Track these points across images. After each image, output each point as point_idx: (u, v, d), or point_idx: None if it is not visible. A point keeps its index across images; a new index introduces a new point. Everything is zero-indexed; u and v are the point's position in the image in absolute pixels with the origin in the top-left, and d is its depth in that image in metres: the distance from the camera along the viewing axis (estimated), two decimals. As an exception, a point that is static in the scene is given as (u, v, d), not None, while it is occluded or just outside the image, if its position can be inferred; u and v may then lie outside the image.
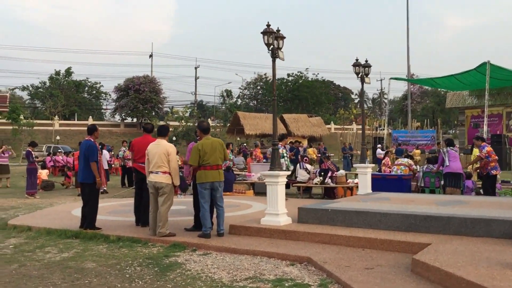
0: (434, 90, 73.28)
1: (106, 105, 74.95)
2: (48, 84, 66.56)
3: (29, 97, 70.26)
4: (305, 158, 13.81)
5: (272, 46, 7.67)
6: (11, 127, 49.40)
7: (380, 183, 11.34)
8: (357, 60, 10.73)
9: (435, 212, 6.88)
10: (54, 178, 20.32)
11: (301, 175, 13.46)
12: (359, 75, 10.70)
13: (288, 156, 14.16)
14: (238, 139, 44.88)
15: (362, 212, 7.08)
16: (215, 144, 7.43)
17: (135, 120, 63.23)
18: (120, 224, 8.78)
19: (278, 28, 7.82)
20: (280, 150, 13.41)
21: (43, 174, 17.25)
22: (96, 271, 5.86)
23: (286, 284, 5.11)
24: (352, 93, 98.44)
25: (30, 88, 68.00)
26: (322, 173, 13.07)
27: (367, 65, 10.74)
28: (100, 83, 72.10)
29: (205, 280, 5.38)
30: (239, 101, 76.76)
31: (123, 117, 62.63)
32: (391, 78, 44.55)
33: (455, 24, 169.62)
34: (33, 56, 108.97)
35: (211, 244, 6.81)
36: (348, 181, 13.08)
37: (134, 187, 16.33)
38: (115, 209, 10.83)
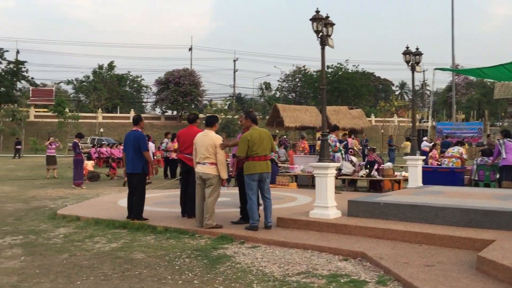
0: (480, 81, 70.74)
1: (147, 98, 76.25)
2: (91, 78, 68.21)
3: (74, 90, 72.24)
4: (350, 150, 13.46)
5: (321, 34, 7.41)
6: (57, 120, 50.86)
7: (431, 176, 10.90)
8: (407, 48, 10.29)
9: (497, 207, 6.48)
10: (99, 169, 20.69)
11: (346, 168, 13.12)
12: (409, 64, 10.26)
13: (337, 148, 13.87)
14: (277, 131, 44.64)
15: (417, 206, 6.75)
16: (263, 134, 7.26)
17: (175, 112, 63.99)
18: (166, 215, 8.75)
19: (327, 14, 7.54)
20: (339, 145, 13.08)
21: (89, 165, 17.57)
22: (145, 262, 5.80)
23: (342, 280, 4.89)
24: (393, 84, 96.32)
25: (75, 82, 69.91)
26: (368, 166, 12.70)
27: (417, 53, 10.28)
28: (141, 76, 73.41)
29: (256, 274, 5.22)
30: (278, 93, 76.44)
31: (164, 110, 63.52)
32: (435, 69, 43.34)
33: (500, 13, 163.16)
34: (77, 51, 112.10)
35: (259, 237, 6.65)
36: (395, 174, 12.66)
37: (176, 178, 16.58)
38: (160, 200, 10.84)
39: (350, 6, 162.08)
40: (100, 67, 67.33)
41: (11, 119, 47.02)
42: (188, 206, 8.35)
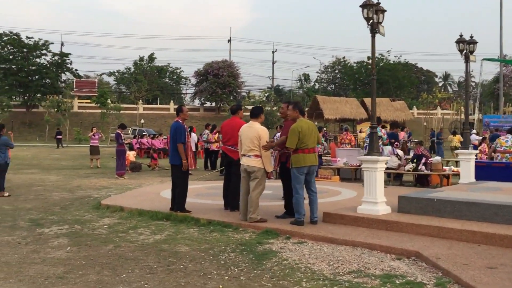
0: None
1: (186, 89, 76.97)
2: (132, 69, 69.34)
3: (115, 82, 73.69)
4: (396, 143, 13.00)
5: (371, 21, 7.07)
6: (99, 111, 52.00)
7: (484, 171, 10.37)
8: (461, 36, 9.77)
9: None
10: (140, 160, 20.92)
11: (392, 161, 12.67)
12: (463, 53, 9.74)
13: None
14: (317, 123, 44.14)
15: (474, 204, 6.36)
16: (311, 126, 7.03)
17: (213, 104, 64.31)
18: (209, 207, 8.64)
19: (378, 0, 7.18)
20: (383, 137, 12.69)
21: (131, 155, 17.75)
22: (190, 256, 5.69)
23: (397, 281, 4.61)
24: (436, 76, 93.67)
25: (116, 74, 71.27)
26: (415, 160, 12.24)
27: (472, 42, 9.75)
28: (180, 68, 74.17)
29: (305, 272, 5.02)
30: (317, 85, 75.62)
31: (202, 101, 63.92)
32: (483, 59, 41.47)
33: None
34: (118, 43, 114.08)
35: (305, 232, 6.43)
36: (444, 168, 12.15)
37: (217, 170, 16.53)
38: (202, 192, 10.77)
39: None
40: (141, 58, 68.33)
41: (56, 110, 48.38)
42: (230, 199, 8.21)
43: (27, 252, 5.95)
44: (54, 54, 55.14)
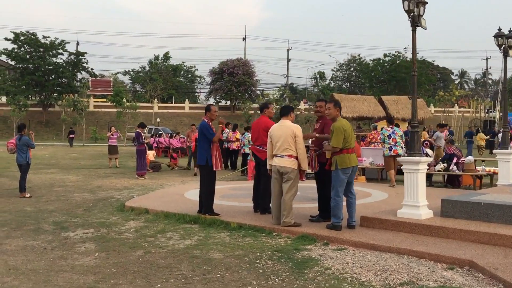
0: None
1: (200, 88, 76.85)
2: (147, 68, 69.42)
3: (130, 81, 73.82)
4: (425, 142, 12.56)
5: (412, 14, 6.68)
6: (115, 110, 52.06)
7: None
8: (499, 30, 9.31)
9: None
10: (158, 159, 20.71)
11: (421, 161, 12.25)
12: (502, 48, 9.29)
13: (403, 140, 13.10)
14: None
15: (525, 208, 5.95)
16: (350, 125, 6.66)
17: (228, 102, 64.08)
18: (237, 209, 8.32)
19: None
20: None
21: (150, 155, 17.52)
22: (225, 263, 5.37)
23: (456, 295, 4.24)
24: (452, 73, 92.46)
25: (131, 73, 71.41)
26: (446, 159, 11.79)
27: (511, 36, 9.29)
28: (195, 67, 74.00)
29: (352, 283, 4.66)
30: (332, 83, 75.00)
31: (218, 100, 63.67)
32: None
33: None
34: (133, 42, 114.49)
35: (345, 238, 6.07)
36: (477, 169, 11.68)
37: (238, 170, 16.21)
38: (226, 193, 10.45)
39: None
40: (156, 57, 68.35)
41: (72, 109, 48.52)
42: (260, 201, 7.89)
43: (53, 258, 5.68)
44: (70, 54, 55.34)
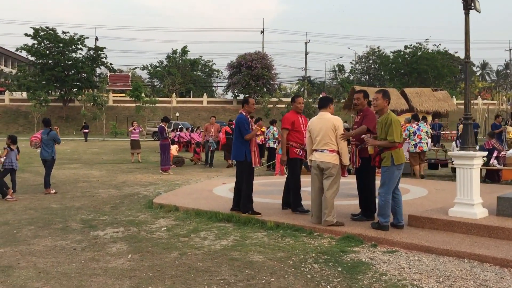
0: None
1: (217, 82, 76.52)
2: (165, 63, 69.30)
3: (148, 76, 73.82)
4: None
5: (465, -4, 6.16)
6: (134, 105, 52.05)
7: None
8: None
9: None
10: (181, 154, 20.42)
11: (458, 155, 11.69)
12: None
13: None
14: (353, 115, 42.90)
15: None
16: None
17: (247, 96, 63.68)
18: (271, 207, 7.90)
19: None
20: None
21: (173, 150, 17.21)
22: (268, 267, 4.96)
23: (537, 307, 3.78)
24: (474, 65, 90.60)
25: (149, 68, 71.38)
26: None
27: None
28: (212, 61, 73.67)
29: (413, 291, 4.22)
30: (351, 76, 74.00)
31: (236, 93, 63.30)
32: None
33: None
34: (151, 36, 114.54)
35: (395, 239, 5.62)
36: (519, 163, 11.09)
37: (265, 164, 15.70)
38: (257, 189, 9.94)
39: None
40: (174, 52, 68.19)
41: (92, 104, 48.61)
42: (292, 199, 7.46)
43: (85, 260, 5.35)
44: (89, 49, 55.46)
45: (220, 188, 10.29)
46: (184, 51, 68.10)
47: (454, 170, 11.94)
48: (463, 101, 45.73)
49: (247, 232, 6.53)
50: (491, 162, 11.05)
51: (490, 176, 11.52)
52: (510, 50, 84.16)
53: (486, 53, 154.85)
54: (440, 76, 62.11)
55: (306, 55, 73.56)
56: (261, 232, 6.54)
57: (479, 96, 63.37)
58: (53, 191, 10.40)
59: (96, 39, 63.88)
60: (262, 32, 70.13)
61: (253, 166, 7.29)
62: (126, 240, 6.27)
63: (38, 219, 7.66)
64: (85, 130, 37.43)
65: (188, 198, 8.93)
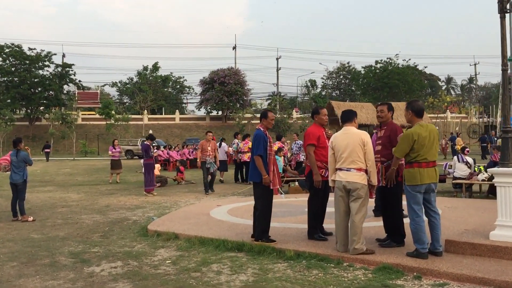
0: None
1: (187, 99, 75.51)
2: (135, 79, 67.99)
3: (118, 93, 72.23)
4: (466, 149, 11.61)
5: None
6: (104, 123, 50.60)
7: None
8: None
9: None
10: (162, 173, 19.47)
11: (460, 170, 11.30)
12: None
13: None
14: (329, 131, 42.73)
15: None
16: (433, 133, 5.60)
17: (220, 113, 62.92)
18: (282, 232, 7.18)
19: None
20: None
21: (156, 169, 16.29)
22: (308, 309, 4.25)
23: None
24: (439, 79, 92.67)
25: (119, 85, 69.90)
26: (490, 167, 10.81)
27: None
28: (183, 77, 72.70)
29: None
30: (323, 91, 74.30)
31: (209, 110, 62.46)
32: (510, 60, 40.25)
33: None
34: (119, 53, 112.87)
35: (441, 270, 4.98)
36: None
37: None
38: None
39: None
40: (145, 68, 67.05)
41: (61, 122, 46.93)
42: (310, 224, 6.76)
43: (86, 306, 4.51)
44: (57, 66, 53.81)
45: (216, 211, 9.52)
46: (155, 67, 67.09)
47: (455, 186, 11.53)
48: (434, 115, 45.85)
49: (265, 264, 5.79)
50: (496, 177, 10.63)
51: (493, 191, 11.09)
52: (475, 65, 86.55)
53: (450, 68, 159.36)
54: (411, 90, 62.89)
55: (277, 70, 73.67)
56: (281, 263, 5.82)
57: (447, 110, 64.59)
58: (31, 219, 9.41)
59: (64, 55, 62.14)
60: (234, 48, 69.85)
61: (271, 188, 6.51)
62: (129, 277, 5.43)
63: (20, 253, 6.71)
64: (46, 150, 35.94)
65: (186, 224, 8.12)
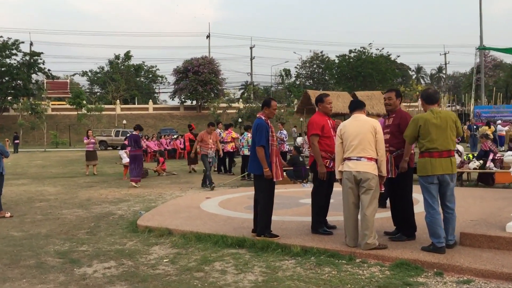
0: (511, 62, 68.27)
1: (159, 88, 74.28)
2: (106, 69, 66.41)
3: (88, 82, 70.47)
4: (457, 138, 11.47)
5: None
6: (76, 113, 49.26)
7: None
8: None
9: None
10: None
11: (451, 159, 11.16)
12: None
13: None
14: (302, 119, 42.51)
15: None
16: (446, 119, 5.28)
17: (194, 102, 62.14)
18: (282, 226, 6.82)
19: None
20: None
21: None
22: (331, 312, 3.91)
23: None
24: (410, 69, 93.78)
25: (90, 74, 68.17)
26: (481, 156, 10.73)
27: None
28: (156, 66, 71.37)
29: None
30: (297, 80, 74.20)
31: (183, 99, 61.62)
32: (480, 48, 40.74)
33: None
34: (90, 41, 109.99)
35: (463, 265, 4.71)
36: (517, 166, 10.66)
37: (243, 175, 14.30)
38: (250, 204, 8.91)
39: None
40: (117, 57, 65.54)
41: (30, 112, 45.44)
42: (314, 218, 6.41)
43: (84, 314, 4.07)
44: (25, 54, 51.98)
45: (207, 203, 9.10)
46: (128, 56, 65.69)
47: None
48: (406, 104, 45.90)
49: (271, 261, 5.43)
50: (487, 165, 10.56)
51: (484, 180, 11.04)
52: (445, 54, 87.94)
53: (420, 58, 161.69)
54: (384, 79, 63.33)
55: (251, 59, 73.21)
56: (288, 260, 5.47)
57: (419, 99, 65.39)
58: (8, 214, 8.83)
59: (31, 44, 60.11)
60: (208, 36, 69.01)
61: (274, 180, 6.13)
62: (126, 279, 4.99)
63: (1, 253, 6.17)
64: (15, 141, 34.83)
65: (178, 218, 7.68)
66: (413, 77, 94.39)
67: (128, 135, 13.27)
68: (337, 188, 6.31)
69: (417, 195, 9.18)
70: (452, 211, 5.34)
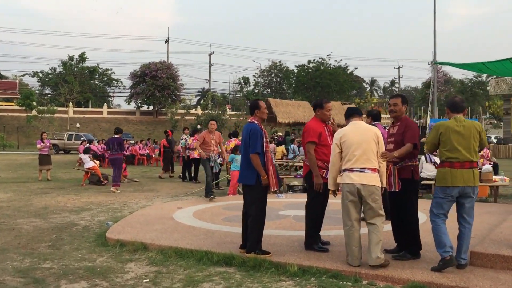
0: (460, 78, 71.03)
1: (113, 92, 72.20)
2: (58, 70, 63.85)
3: (39, 83, 67.48)
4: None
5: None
6: (25, 114, 46.96)
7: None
8: None
9: None
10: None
11: (428, 171, 10.98)
12: None
13: None
14: (272, 128, 42.26)
15: None
16: (469, 128, 4.92)
17: (151, 107, 60.62)
18: (270, 241, 6.22)
19: None
20: None
21: (95, 165, 14.75)
22: None
23: None
24: (364, 81, 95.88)
25: (41, 75, 65.32)
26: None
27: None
28: (111, 69, 69.27)
29: None
30: (256, 89, 74.05)
31: (139, 104, 59.95)
32: (435, 63, 41.74)
33: (459, 13, 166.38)
34: (39, 41, 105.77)
35: (483, 288, 4.32)
36: (494, 179, 10.59)
37: (216, 181, 13.45)
38: (227, 216, 8.33)
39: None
40: (71, 58, 63.12)
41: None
42: (309, 233, 5.89)
43: None
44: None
45: (180, 214, 8.42)
46: (82, 57, 63.39)
47: (422, 187, 11.21)
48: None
49: (266, 282, 4.87)
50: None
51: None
52: (399, 68, 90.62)
53: (374, 71, 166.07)
54: (342, 90, 64.18)
55: (210, 66, 72.50)
56: (285, 280, 4.92)
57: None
58: (-47, 225, 7.82)
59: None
60: (167, 41, 67.76)
61: (272, 190, 5.57)
62: (103, 304, 4.29)
63: None
64: None
65: (152, 231, 6.98)
66: (367, 89, 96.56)
67: (109, 138, 12.54)
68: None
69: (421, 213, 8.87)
70: (470, 226, 4.98)
